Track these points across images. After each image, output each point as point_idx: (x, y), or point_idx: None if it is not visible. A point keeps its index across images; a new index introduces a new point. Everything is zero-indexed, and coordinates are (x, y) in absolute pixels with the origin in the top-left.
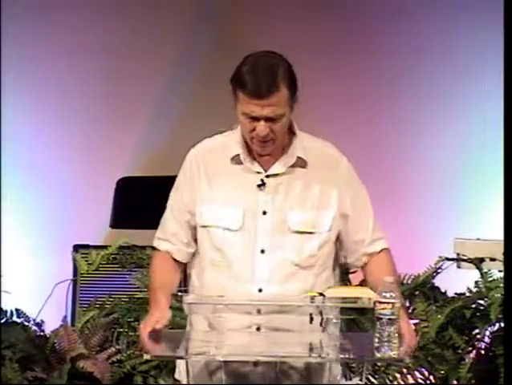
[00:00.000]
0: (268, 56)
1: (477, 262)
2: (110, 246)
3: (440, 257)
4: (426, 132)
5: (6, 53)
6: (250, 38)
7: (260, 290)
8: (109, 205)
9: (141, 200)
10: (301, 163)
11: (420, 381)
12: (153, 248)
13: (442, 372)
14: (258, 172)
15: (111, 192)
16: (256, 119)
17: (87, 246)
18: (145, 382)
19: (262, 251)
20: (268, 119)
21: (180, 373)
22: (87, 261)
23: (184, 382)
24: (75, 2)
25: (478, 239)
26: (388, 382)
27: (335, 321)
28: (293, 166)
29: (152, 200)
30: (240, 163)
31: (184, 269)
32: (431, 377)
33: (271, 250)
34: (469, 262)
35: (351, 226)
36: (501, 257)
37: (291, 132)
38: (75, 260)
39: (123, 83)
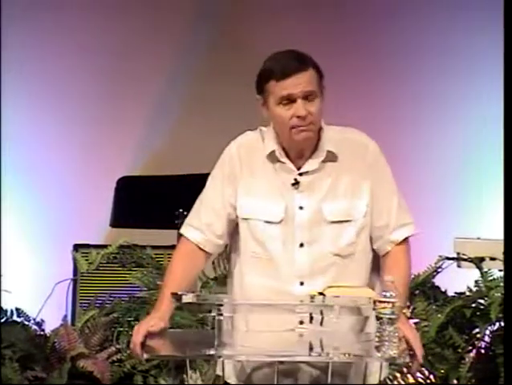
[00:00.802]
0: (290, 50)
1: (477, 262)
2: (110, 245)
3: (440, 256)
4: (426, 132)
5: (7, 53)
6: (250, 38)
7: (301, 283)
8: (109, 205)
9: (141, 200)
10: (331, 156)
11: (420, 381)
12: (180, 234)
13: (442, 371)
14: (292, 171)
15: (111, 191)
16: (292, 101)
17: (87, 246)
18: (145, 381)
19: (301, 245)
20: (304, 98)
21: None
22: (87, 260)
23: (232, 381)
24: (75, 2)
25: (478, 238)
26: (388, 382)
27: (335, 320)
28: (324, 161)
29: (152, 199)
30: (275, 160)
31: (208, 259)
32: (431, 376)
33: (310, 243)
34: (469, 262)
35: (375, 211)
36: (501, 256)
37: (320, 128)
38: (75, 259)
39: (123, 83)
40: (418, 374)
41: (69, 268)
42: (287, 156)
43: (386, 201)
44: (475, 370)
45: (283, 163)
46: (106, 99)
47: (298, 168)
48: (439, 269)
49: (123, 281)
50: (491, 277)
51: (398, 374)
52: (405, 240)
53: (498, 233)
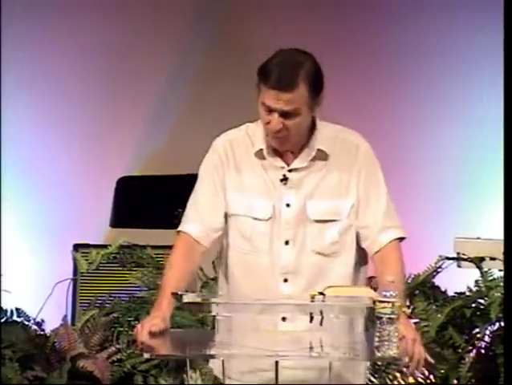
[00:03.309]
0: (296, 53)
1: (477, 261)
2: (110, 245)
3: (440, 256)
4: (426, 132)
5: (7, 53)
6: (250, 38)
7: (285, 280)
8: (109, 205)
9: (141, 200)
10: (322, 155)
11: (420, 380)
12: (179, 231)
13: (442, 371)
14: (282, 167)
15: (111, 191)
16: (272, 111)
17: (87, 245)
18: (145, 381)
19: (287, 242)
20: (282, 114)
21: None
22: (87, 260)
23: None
24: (75, 2)
25: (478, 238)
26: (388, 382)
27: (335, 320)
28: (314, 159)
29: (152, 199)
30: (263, 157)
31: (205, 254)
32: (431, 376)
33: (294, 241)
34: (469, 261)
35: (362, 211)
36: (501, 256)
37: (313, 126)
38: (75, 259)
39: (122, 83)
40: (418, 375)
41: (69, 268)
42: (276, 152)
43: (374, 203)
44: (475, 370)
45: (272, 159)
46: (106, 100)
47: (288, 164)
48: (439, 269)
49: (123, 281)
50: (491, 277)
51: (398, 374)
52: (395, 242)
53: (498, 233)
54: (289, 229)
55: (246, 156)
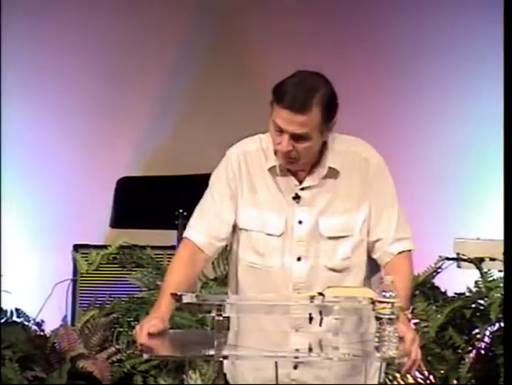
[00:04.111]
0: (313, 76)
1: (477, 262)
2: (110, 246)
3: (440, 256)
4: (425, 131)
5: (7, 50)
6: (253, 34)
7: None
8: (109, 205)
9: (141, 200)
10: (333, 172)
11: (420, 381)
12: (184, 237)
13: (442, 372)
14: (295, 185)
15: (111, 192)
16: (282, 132)
17: (87, 246)
18: (145, 381)
19: (299, 259)
20: (293, 137)
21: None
22: (87, 260)
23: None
24: (77, 0)
25: (478, 239)
26: (388, 382)
27: (335, 320)
28: (325, 177)
29: (152, 200)
30: (276, 174)
31: (208, 262)
32: (431, 377)
33: (307, 257)
34: (469, 262)
35: (373, 226)
36: (501, 256)
37: (324, 144)
38: (75, 259)
39: (122, 83)
40: (418, 375)
41: (69, 268)
42: (289, 169)
43: (386, 215)
44: (475, 371)
45: (284, 177)
46: (106, 100)
47: (300, 182)
48: (439, 270)
49: (123, 281)
50: (491, 278)
51: (398, 375)
52: (406, 255)
53: (498, 233)
54: (301, 246)
55: (260, 171)
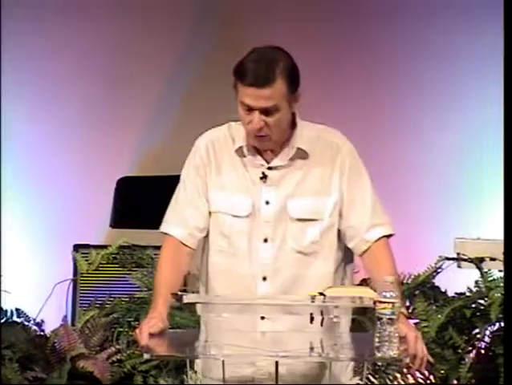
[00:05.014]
0: (271, 50)
1: (478, 262)
2: (110, 246)
3: (440, 256)
4: (425, 132)
5: (8, 53)
6: (250, 38)
7: (264, 279)
8: (109, 205)
9: (141, 200)
10: (302, 154)
11: (420, 381)
12: (163, 233)
13: (442, 372)
14: (261, 165)
15: (111, 192)
16: (251, 110)
17: (87, 246)
18: (145, 381)
19: (265, 240)
20: (263, 112)
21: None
22: (87, 260)
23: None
24: (76, 4)
25: (478, 238)
26: (388, 382)
27: (335, 320)
28: (294, 158)
29: (152, 200)
30: (243, 155)
31: (192, 254)
32: (431, 377)
33: (274, 239)
34: (470, 262)
35: (347, 211)
36: (501, 256)
37: (293, 124)
38: (75, 260)
39: (122, 83)
40: (418, 375)
41: (69, 268)
42: (256, 149)
43: (360, 202)
44: (475, 371)
45: (252, 157)
46: (106, 100)
47: (267, 162)
48: (439, 270)
49: (123, 281)
50: (491, 278)
51: (398, 375)
52: (384, 239)
53: (498, 233)
54: (268, 227)
55: (228, 154)
